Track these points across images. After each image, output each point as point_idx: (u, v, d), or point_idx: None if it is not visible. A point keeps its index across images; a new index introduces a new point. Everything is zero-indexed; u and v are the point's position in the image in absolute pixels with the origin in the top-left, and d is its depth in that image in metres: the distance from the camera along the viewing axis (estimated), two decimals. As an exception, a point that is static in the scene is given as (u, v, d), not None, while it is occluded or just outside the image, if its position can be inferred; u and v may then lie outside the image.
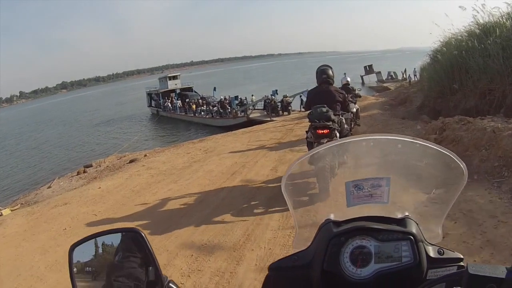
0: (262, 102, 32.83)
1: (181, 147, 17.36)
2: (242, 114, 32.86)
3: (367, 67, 48.63)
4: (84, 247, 1.16)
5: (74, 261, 1.15)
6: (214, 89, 45.37)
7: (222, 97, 38.90)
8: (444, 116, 11.78)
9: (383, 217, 1.32)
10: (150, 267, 1.16)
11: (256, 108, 33.71)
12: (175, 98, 47.68)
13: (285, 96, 30.86)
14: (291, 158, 10.18)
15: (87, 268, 1.16)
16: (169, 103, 47.10)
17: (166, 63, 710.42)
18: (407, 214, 1.32)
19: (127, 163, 15.37)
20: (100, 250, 1.18)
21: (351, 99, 9.80)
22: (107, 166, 16.75)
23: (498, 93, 11.49)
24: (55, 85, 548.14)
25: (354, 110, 10.53)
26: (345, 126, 7.52)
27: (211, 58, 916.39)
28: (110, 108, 77.16)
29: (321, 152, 1.38)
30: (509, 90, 11.08)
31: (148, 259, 1.17)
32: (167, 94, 49.59)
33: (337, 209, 1.39)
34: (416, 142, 1.31)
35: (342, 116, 7.39)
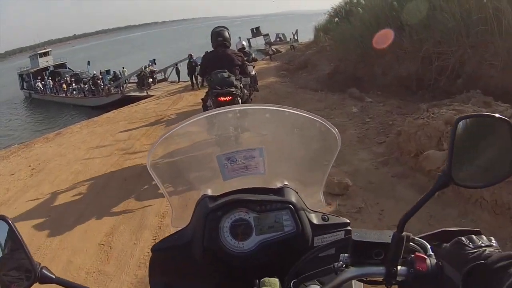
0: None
1: (18, 152, 12.57)
2: (116, 90, 29.05)
3: (254, 29, 46.96)
4: None
5: None
6: (88, 63, 41.09)
7: (94, 72, 35.01)
8: (369, 85, 11.43)
9: (261, 188, 1.32)
10: (21, 255, 1.02)
11: (131, 81, 30.09)
12: (46, 77, 42.90)
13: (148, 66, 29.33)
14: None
15: None
16: (40, 84, 42.22)
17: (49, 39, 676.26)
18: (286, 183, 1.33)
19: None
20: None
21: (247, 63, 8.53)
22: None
23: (454, 59, 9.08)
24: None
25: (253, 73, 9.37)
26: (245, 91, 7.09)
27: (94, 30, 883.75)
28: None
29: (187, 127, 1.35)
30: (469, 55, 8.76)
31: (18, 246, 1.02)
32: (39, 73, 44.64)
33: (213, 183, 1.40)
34: (285, 110, 1.33)
35: (241, 81, 6.98)
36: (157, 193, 6.04)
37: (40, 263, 1.01)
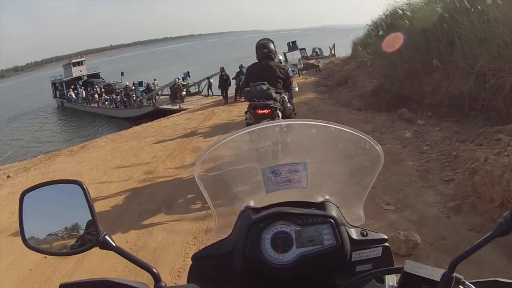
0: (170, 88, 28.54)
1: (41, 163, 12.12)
2: (149, 102, 28.47)
3: (291, 43, 46.26)
4: (34, 194, 1.13)
5: (25, 207, 1.13)
6: (122, 74, 40.98)
7: (127, 83, 34.87)
8: (417, 105, 10.48)
9: (303, 201, 1.31)
10: (89, 219, 1.13)
11: (163, 94, 29.54)
12: (79, 86, 42.76)
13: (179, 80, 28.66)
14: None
15: (36, 214, 1.15)
16: (72, 93, 42.06)
17: (85, 48, 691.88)
18: (327, 197, 1.34)
19: None
20: (49, 198, 1.16)
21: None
22: None
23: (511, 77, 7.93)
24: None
25: (297, 89, 8.61)
26: (288, 105, 6.86)
27: (131, 41, 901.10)
28: (24, 99, 69.08)
29: (233, 139, 1.38)
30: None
31: (89, 211, 1.13)
32: (72, 82, 44.58)
33: (256, 195, 1.40)
34: (330, 126, 1.34)
35: (281, 94, 6.70)
36: (176, 239, 5.25)
37: (104, 230, 1.09)
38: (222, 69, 22.66)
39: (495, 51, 8.40)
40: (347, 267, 1.20)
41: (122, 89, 34.11)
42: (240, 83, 16.87)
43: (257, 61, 6.98)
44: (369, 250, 1.24)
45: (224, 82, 21.81)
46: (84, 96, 40.00)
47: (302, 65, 28.23)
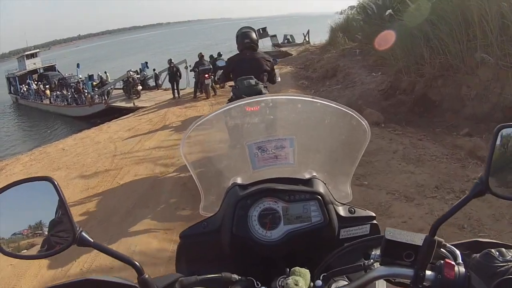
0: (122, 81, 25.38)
1: None
2: (101, 99, 25.19)
3: (261, 30, 41.79)
4: (3, 196, 1.04)
5: None
6: (78, 65, 36.97)
7: (80, 77, 31.69)
8: (454, 114, 7.76)
9: (290, 178, 1.34)
10: (63, 217, 1.06)
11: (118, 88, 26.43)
12: (31, 81, 39.43)
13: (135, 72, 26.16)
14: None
15: (3, 217, 1.08)
16: (24, 88, 39.12)
17: (53, 39, 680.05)
18: (314, 174, 1.35)
19: None
20: (17, 199, 1.08)
21: None
22: None
23: None
24: None
25: (279, 79, 7.46)
26: None
27: (99, 30, 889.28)
28: None
29: (219, 114, 1.42)
30: None
31: (62, 209, 1.07)
32: (28, 76, 41.31)
33: (243, 172, 1.42)
34: (317, 101, 1.37)
35: (267, 89, 6.32)
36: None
37: (80, 227, 1.04)
38: (170, 61, 20.35)
39: None
40: (335, 244, 1.20)
41: (73, 84, 30.83)
42: (215, 76, 15.69)
43: (238, 52, 6.62)
44: (357, 228, 1.29)
45: (173, 75, 19.79)
46: (35, 91, 36.65)
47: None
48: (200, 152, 1.48)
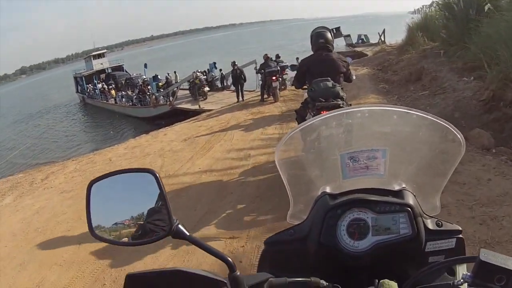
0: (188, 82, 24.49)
1: None
2: (165, 100, 24.48)
3: (334, 30, 40.46)
4: (102, 184, 1.15)
5: (92, 197, 1.15)
6: (145, 65, 36.43)
7: (144, 77, 31.17)
8: None
9: (380, 189, 1.32)
10: (162, 208, 1.12)
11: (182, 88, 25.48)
12: (97, 80, 39.82)
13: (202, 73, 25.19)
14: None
15: (105, 204, 1.17)
16: (91, 88, 39.37)
17: (126, 39, 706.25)
18: (404, 186, 1.32)
19: None
20: (119, 188, 1.18)
21: None
22: None
23: None
24: (14, 71, 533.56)
25: (354, 77, 6.83)
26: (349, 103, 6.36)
27: (172, 31, 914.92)
28: (58, 92, 67.40)
29: (314, 124, 1.38)
30: None
31: (162, 200, 1.13)
32: (96, 76, 41.69)
33: (332, 181, 1.39)
34: (412, 113, 1.33)
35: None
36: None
37: (177, 219, 1.08)
38: (234, 64, 19.17)
39: None
40: (420, 257, 1.21)
41: (139, 84, 30.22)
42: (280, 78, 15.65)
43: (312, 53, 6.32)
44: (443, 241, 1.25)
45: (237, 78, 18.69)
46: (100, 91, 36.70)
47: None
48: (292, 160, 1.42)
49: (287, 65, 14.53)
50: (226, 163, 8.22)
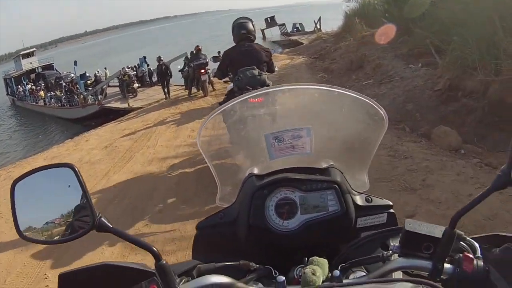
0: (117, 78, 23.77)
1: None
2: (93, 99, 23.36)
3: (269, 19, 43.01)
4: (25, 183, 1.06)
5: (17, 197, 1.06)
6: (75, 63, 34.15)
7: (72, 76, 29.64)
8: None
9: (307, 167, 1.34)
10: (83, 203, 1.06)
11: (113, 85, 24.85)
12: (25, 81, 38.19)
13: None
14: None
15: (30, 203, 1.10)
16: (21, 89, 37.98)
17: (61, 36, 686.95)
18: (331, 163, 1.35)
19: None
20: (42, 185, 1.09)
21: None
22: None
23: None
24: None
25: (277, 68, 7.02)
26: None
27: (106, 26, 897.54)
28: None
29: (235, 105, 1.39)
30: None
31: (83, 194, 1.07)
32: (26, 76, 39.95)
33: (260, 163, 1.41)
34: (334, 91, 1.36)
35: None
36: None
37: (99, 213, 1.03)
38: (159, 59, 19.03)
39: None
40: (352, 233, 1.24)
41: (66, 84, 28.90)
42: (209, 71, 14.71)
43: (235, 44, 6.39)
44: (374, 217, 1.28)
45: (163, 74, 18.69)
46: (30, 92, 35.09)
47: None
48: (216, 143, 1.43)
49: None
50: (143, 182, 7.12)
